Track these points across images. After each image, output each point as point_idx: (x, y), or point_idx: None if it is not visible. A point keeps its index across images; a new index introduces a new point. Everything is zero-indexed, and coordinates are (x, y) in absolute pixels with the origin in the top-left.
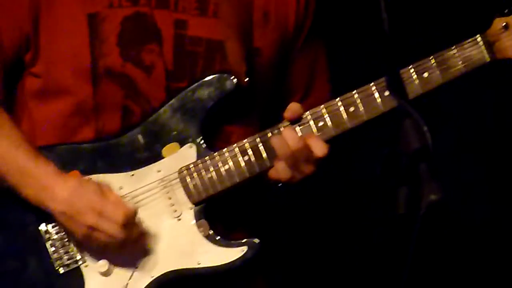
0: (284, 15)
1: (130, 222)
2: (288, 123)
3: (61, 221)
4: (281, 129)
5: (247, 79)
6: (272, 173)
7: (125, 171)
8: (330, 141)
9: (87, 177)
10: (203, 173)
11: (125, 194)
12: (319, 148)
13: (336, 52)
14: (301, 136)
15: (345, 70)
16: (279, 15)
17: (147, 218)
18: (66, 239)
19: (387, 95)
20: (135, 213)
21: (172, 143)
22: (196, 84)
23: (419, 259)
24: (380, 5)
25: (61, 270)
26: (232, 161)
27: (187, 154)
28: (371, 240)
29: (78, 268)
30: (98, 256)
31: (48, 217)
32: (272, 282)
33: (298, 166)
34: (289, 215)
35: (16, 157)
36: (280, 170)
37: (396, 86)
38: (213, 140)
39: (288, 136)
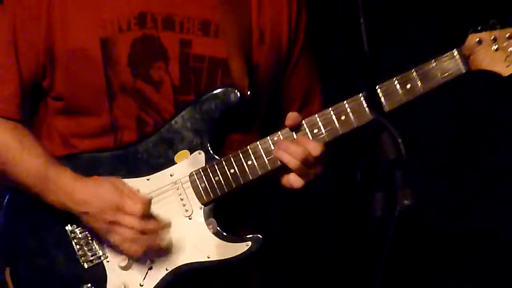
0: (278, 34)
1: (147, 212)
2: (286, 130)
3: (85, 221)
4: (280, 137)
5: (250, 92)
6: (286, 183)
7: (141, 176)
8: None
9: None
10: (211, 176)
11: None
12: (313, 148)
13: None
14: (297, 141)
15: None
16: (274, 34)
17: (162, 216)
18: (90, 238)
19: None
20: (150, 202)
21: (183, 150)
22: (204, 97)
23: (393, 260)
24: (361, 26)
25: (86, 265)
26: (237, 165)
27: (197, 160)
28: (350, 240)
29: (101, 263)
30: (118, 252)
31: (73, 219)
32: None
33: (307, 172)
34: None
35: (38, 166)
36: (293, 181)
37: (374, 102)
38: (219, 147)
39: (289, 149)
